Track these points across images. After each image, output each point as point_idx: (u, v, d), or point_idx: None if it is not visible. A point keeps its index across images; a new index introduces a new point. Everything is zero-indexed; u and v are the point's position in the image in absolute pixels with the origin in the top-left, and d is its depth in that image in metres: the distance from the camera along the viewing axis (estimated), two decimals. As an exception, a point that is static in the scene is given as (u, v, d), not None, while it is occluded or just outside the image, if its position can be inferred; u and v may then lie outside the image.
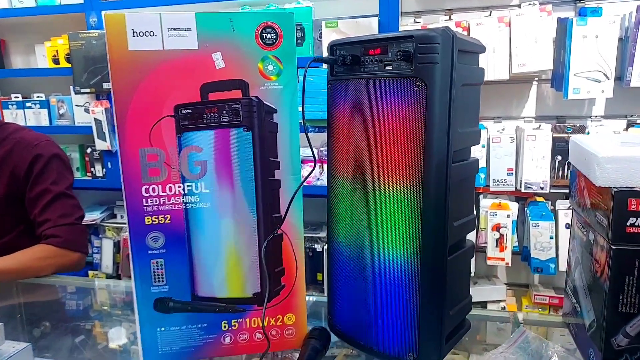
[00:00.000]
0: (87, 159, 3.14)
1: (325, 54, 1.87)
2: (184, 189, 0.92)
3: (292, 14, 0.95)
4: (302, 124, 0.98)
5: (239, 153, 0.94)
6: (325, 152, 2.22)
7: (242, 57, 0.92)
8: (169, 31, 0.88)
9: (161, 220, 0.92)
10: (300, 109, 0.97)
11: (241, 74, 0.92)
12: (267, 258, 0.96)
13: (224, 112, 0.93)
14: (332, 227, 1.01)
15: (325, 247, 2.12)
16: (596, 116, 2.06)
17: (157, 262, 0.93)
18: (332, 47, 0.97)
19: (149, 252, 0.92)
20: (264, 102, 0.94)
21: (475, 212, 2.08)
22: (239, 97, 0.93)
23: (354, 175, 0.94)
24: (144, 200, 0.91)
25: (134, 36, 0.86)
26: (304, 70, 0.93)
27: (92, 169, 3.13)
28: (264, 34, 0.93)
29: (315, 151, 2.04)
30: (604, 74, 1.81)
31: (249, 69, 0.93)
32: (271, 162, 0.95)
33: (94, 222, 3.14)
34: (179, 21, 0.88)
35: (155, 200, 0.91)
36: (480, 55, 0.97)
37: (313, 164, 0.94)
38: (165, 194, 0.92)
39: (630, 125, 1.99)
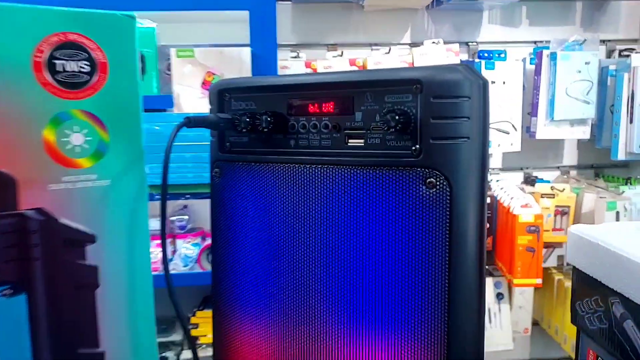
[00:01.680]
0: None
1: (181, 95, 1.33)
2: None
3: (132, 18, 0.42)
4: (162, 243, 0.45)
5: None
6: (178, 224, 1.52)
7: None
8: None
9: None
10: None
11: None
12: None
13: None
14: None
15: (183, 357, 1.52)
16: (494, 169, 1.82)
17: None
18: (222, 93, 0.46)
19: None
20: (62, 223, 0.39)
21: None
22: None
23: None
24: None
25: None
26: (169, 142, 0.41)
27: None
28: (58, 60, 0.38)
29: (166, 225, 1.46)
30: (512, 125, 1.56)
31: (21, 144, 0.37)
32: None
33: None
34: None
35: None
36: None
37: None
38: None
39: (529, 178, 1.79)
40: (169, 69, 1.33)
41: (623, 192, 1.41)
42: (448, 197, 0.38)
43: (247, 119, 0.43)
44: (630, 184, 1.51)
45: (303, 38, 1.58)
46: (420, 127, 0.38)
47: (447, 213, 0.38)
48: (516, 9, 1.58)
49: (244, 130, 0.43)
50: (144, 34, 1.27)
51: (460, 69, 0.39)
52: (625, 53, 1.57)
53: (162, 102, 1.25)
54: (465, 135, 0.38)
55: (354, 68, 1.42)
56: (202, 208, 1.50)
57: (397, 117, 0.38)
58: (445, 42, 1.48)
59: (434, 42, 1.46)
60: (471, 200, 0.39)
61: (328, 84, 0.41)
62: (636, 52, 1.54)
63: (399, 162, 0.39)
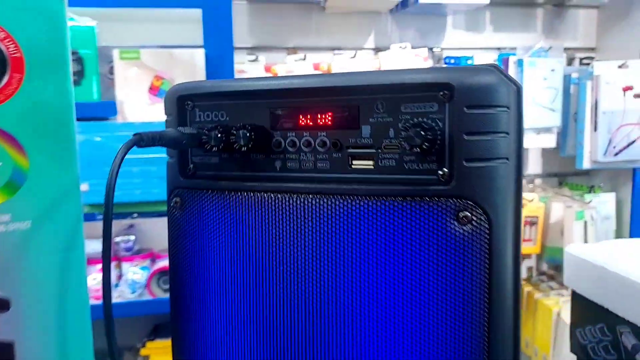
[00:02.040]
0: None
1: (125, 102, 1.19)
2: None
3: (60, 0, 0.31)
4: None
5: None
6: (123, 245, 1.35)
7: None
8: None
9: None
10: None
11: None
12: None
13: None
14: None
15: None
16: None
17: None
18: (183, 100, 0.36)
19: None
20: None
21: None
22: None
23: None
24: None
25: None
26: (114, 166, 0.30)
27: None
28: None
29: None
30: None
31: None
32: None
33: None
34: None
35: None
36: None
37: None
38: None
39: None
40: (111, 73, 1.19)
41: (590, 201, 1.39)
42: (487, 235, 0.30)
43: (219, 135, 0.33)
44: (594, 192, 1.49)
45: (261, 40, 1.48)
46: (450, 146, 0.30)
47: (486, 255, 0.30)
48: (480, 14, 1.54)
49: (215, 148, 0.33)
50: (82, 33, 1.13)
51: (494, 70, 0.31)
52: (586, 61, 1.56)
53: (103, 110, 1.12)
54: (503, 156, 0.30)
55: (318, 72, 1.34)
56: (151, 227, 1.36)
57: (420, 133, 0.29)
58: (412, 47, 1.42)
59: (400, 47, 1.39)
60: (511, 236, 0.31)
61: (325, 89, 0.32)
62: (597, 60, 1.53)
63: (421, 190, 0.30)
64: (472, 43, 1.55)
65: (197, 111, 0.35)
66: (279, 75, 1.29)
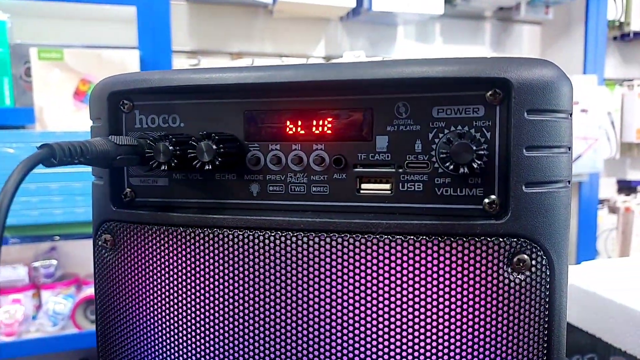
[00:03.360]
0: None
1: (45, 108, 1.02)
2: None
3: None
4: None
5: None
6: (43, 271, 1.21)
7: None
8: None
9: None
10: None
11: None
12: None
13: None
14: None
15: None
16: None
17: None
18: (117, 98, 0.25)
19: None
20: None
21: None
22: None
23: None
24: None
25: None
26: (9, 187, 0.19)
27: None
28: None
29: (25, 270, 1.14)
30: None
31: None
32: None
33: None
34: None
35: None
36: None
37: None
38: None
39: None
40: (29, 74, 1.03)
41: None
42: (547, 283, 0.22)
43: (171, 147, 0.23)
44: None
45: (203, 44, 1.36)
46: (504, 165, 0.21)
47: (545, 309, 0.22)
48: (429, 26, 1.51)
49: (163, 166, 0.23)
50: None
51: (550, 63, 0.23)
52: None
53: (18, 117, 0.97)
54: (565, 177, 0.22)
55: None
56: (75, 249, 1.20)
57: (465, 146, 0.20)
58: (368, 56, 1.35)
59: (355, 55, 1.32)
60: (567, 278, 0.23)
61: (325, 84, 0.23)
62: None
63: (462, 227, 0.22)
64: (422, 54, 1.51)
65: (138, 114, 0.25)
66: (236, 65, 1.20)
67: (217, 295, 0.24)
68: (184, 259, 0.24)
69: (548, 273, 0.22)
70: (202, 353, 0.25)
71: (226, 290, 0.24)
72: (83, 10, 1.22)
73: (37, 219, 0.95)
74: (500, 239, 0.21)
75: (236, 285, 0.24)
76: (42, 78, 1.01)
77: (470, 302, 0.22)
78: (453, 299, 0.22)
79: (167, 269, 0.25)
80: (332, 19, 1.41)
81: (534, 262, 0.21)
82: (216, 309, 0.24)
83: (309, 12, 1.34)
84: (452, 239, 0.22)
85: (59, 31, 1.20)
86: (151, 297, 0.25)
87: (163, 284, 0.25)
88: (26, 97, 1.02)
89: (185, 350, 0.25)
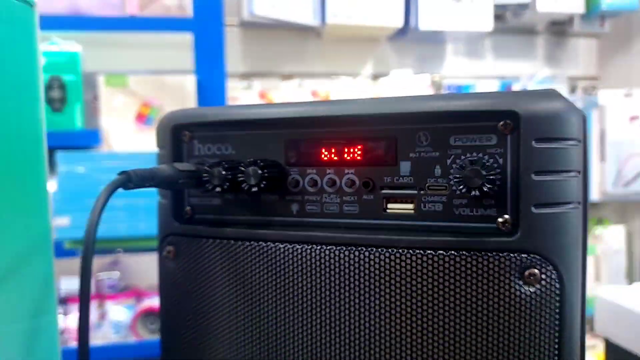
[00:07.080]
0: None
1: (111, 130, 1.11)
2: None
3: (30, 5, 0.25)
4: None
5: None
6: (108, 283, 1.27)
7: None
8: None
9: None
10: None
11: None
12: None
13: None
14: None
15: None
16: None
17: None
18: (179, 130, 0.29)
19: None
20: None
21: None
22: None
23: None
24: None
25: None
26: (96, 209, 0.24)
27: None
28: None
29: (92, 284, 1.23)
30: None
31: None
32: None
33: None
34: None
35: None
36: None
37: None
38: None
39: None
40: (97, 99, 1.13)
41: (600, 234, 1.34)
42: (557, 297, 0.24)
43: (223, 172, 0.26)
44: (602, 224, 1.44)
45: (255, 66, 1.43)
46: (514, 187, 0.24)
47: (556, 321, 0.24)
48: (479, 42, 1.51)
49: (217, 188, 0.27)
50: (66, 59, 1.07)
51: (559, 95, 0.25)
52: (589, 90, 1.54)
53: (87, 139, 1.05)
54: (575, 199, 0.24)
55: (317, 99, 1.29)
56: (136, 262, 1.28)
57: (478, 171, 0.23)
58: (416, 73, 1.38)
59: (403, 73, 1.35)
60: (580, 294, 0.25)
61: (354, 117, 0.26)
62: (601, 89, 1.50)
63: (477, 243, 0.24)
64: (472, 71, 1.51)
65: (196, 143, 0.29)
66: (278, 102, 1.24)
67: (262, 301, 0.28)
68: (235, 267, 0.28)
69: (558, 286, 0.24)
70: (251, 352, 0.28)
71: (270, 296, 0.27)
72: (145, 39, 1.32)
73: (103, 233, 1.02)
74: (512, 254, 0.24)
75: (279, 291, 0.27)
76: (108, 102, 1.10)
77: (486, 312, 0.24)
78: (468, 308, 0.24)
79: (220, 276, 0.29)
80: (379, 39, 1.44)
81: (543, 276, 0.24)
82: (262, 311, 0.28)
83: (357, 33, 1.38)
84: (468, 254, 0.24)
85: (123, 59, 1.30)
86: (208, 300, 0.29)
87: (217, 289, 0.29)
88: (94, 120, 1.11)
89: (237, 348, 0.29)
